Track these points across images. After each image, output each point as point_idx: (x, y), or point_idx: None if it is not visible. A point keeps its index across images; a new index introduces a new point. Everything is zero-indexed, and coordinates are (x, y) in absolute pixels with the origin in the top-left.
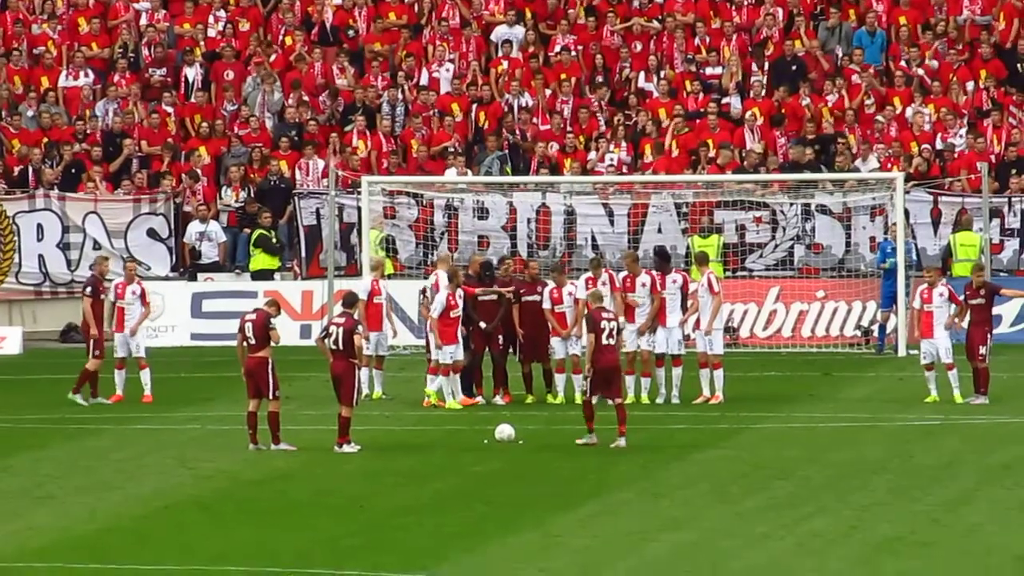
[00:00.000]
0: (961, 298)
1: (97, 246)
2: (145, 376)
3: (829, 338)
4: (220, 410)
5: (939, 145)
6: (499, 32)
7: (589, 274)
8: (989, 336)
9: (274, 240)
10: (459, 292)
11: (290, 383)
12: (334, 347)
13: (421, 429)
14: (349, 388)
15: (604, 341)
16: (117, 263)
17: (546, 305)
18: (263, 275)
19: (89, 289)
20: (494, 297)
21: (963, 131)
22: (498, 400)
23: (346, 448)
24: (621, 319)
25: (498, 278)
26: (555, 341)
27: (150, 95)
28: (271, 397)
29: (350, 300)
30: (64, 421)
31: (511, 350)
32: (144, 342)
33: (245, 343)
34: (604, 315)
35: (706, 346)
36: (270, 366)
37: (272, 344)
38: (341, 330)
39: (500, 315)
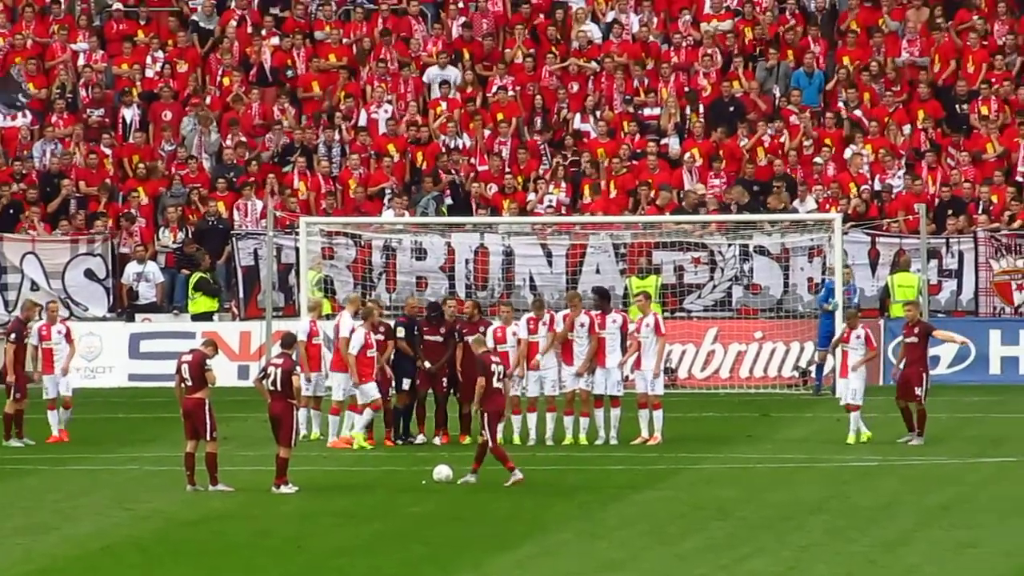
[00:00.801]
0: (875, 344)
1: (35, 287)
2: (66, 415)
3: (767, 379)
4: (158, 451)
5: (877, 186)
6: (431, 74)
7: (531, 314)
8: (925, 376)
9: (213, 283)
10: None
11: (227, 424)
12: (272, 388)
13: (359, 470)
14: (287, 429)
15: (494, 384)
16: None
17: (489, 344)
18: (203, 317)
19: (13, 335)
20: (440, 339)
21: (901, 172)
22: (437, 440)
23: (284, 489)
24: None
25: (446, 320)
26: None
27: (88, 135)
28: (208, 438)
29: (288, 341)
30: (0, 462)
31: (452, 391)
32: (72, 382)
33: (182, 384)
34: (493, 359)
35: (648, 387)
36: (207, 407)
37: (209, 385)
38: (279, 371)
39: (447, 356)
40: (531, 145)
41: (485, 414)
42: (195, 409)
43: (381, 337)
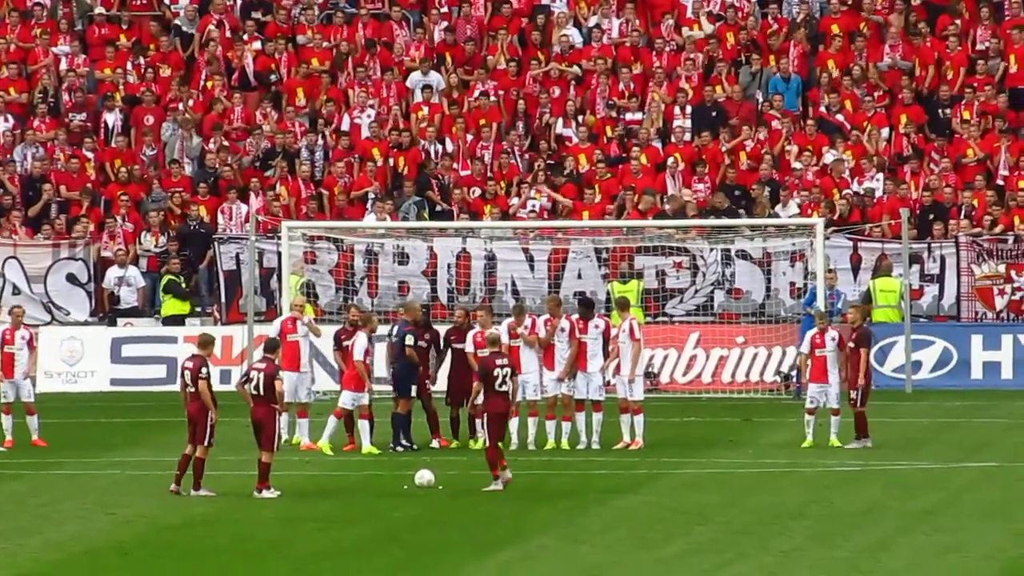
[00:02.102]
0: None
1: (16, 291)
2: (33, 421)
3: (749, 383)
4: (140, 455)
5: (866, 186)
6: (413, 79)
7: (511, 319)
8: (864, 381)
9: (183, 285)
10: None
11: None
12: (255, 392)
13: (341, 474)
14: (269, 433)
15: (496, 388)
16: (36, 307)
17: (469, 349)
18: (175, 320)
19: None
20: (424, 344)
21: (882, 176)
22: (435, 444)
23: (266, 494)
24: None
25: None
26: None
27: (70, 140)
28: (204, 444)
29: (271, 346)
30: None
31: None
32: (32, 387)
33: (186, 388)
34: (498, 361)
35: (626, 392)
36: (208, 413)
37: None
38: (262, 375)
39: (440, 361)
40: (513, 149)
41: (486, 415)
42: (198, 415)
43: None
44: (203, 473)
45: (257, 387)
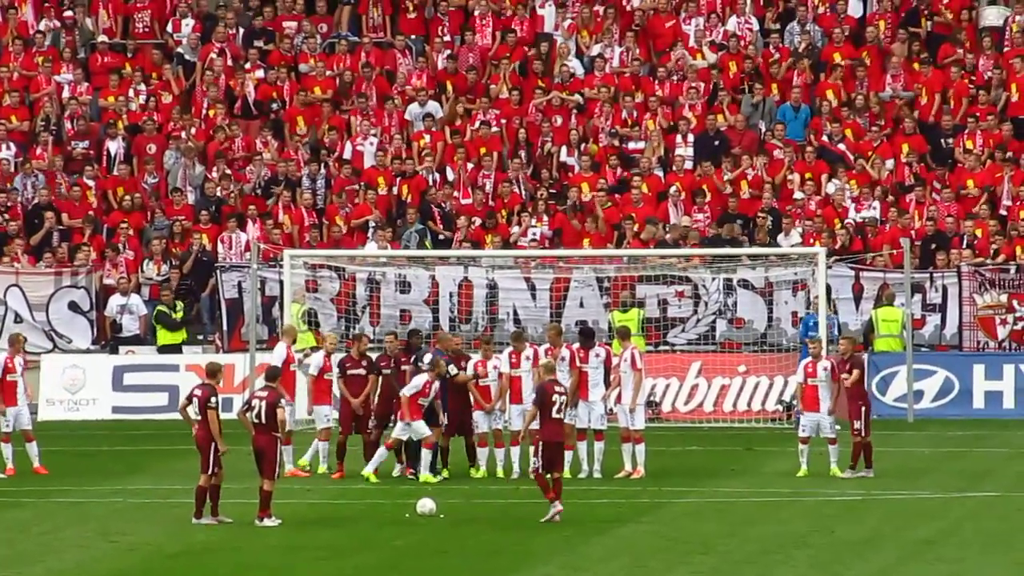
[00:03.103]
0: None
1: (19, 319)
2: (33, 448)
3: (751, 412)
4: (142, 483)
5: (861, 219)
6: (412, 110)
7: (511, 348)
8: (864, 409)
9: (173, 315)
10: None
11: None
12: (256, 421)
13: (343, 503)
14: (271, 462)
15: (553, 415)
16: (39, 335)
17: (465, 376)
18: (170, 349)
19: None
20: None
21: (876, 204)
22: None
23: (267, 522)
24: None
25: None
26: (478, 415)
27: (72, 168)
28: (208, 472)
29: (273, 374)
30: None
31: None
32: (30, 415)
33: (186, 408)
34: (556, 388)
35: (628, 421)
36: (213, 443)
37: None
38: (264, 403)
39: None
40: (517, 178)
41: (541, 443)
42: (205, 443)
43: (362, 371)
44: (204, 501)
45: (259, 415)
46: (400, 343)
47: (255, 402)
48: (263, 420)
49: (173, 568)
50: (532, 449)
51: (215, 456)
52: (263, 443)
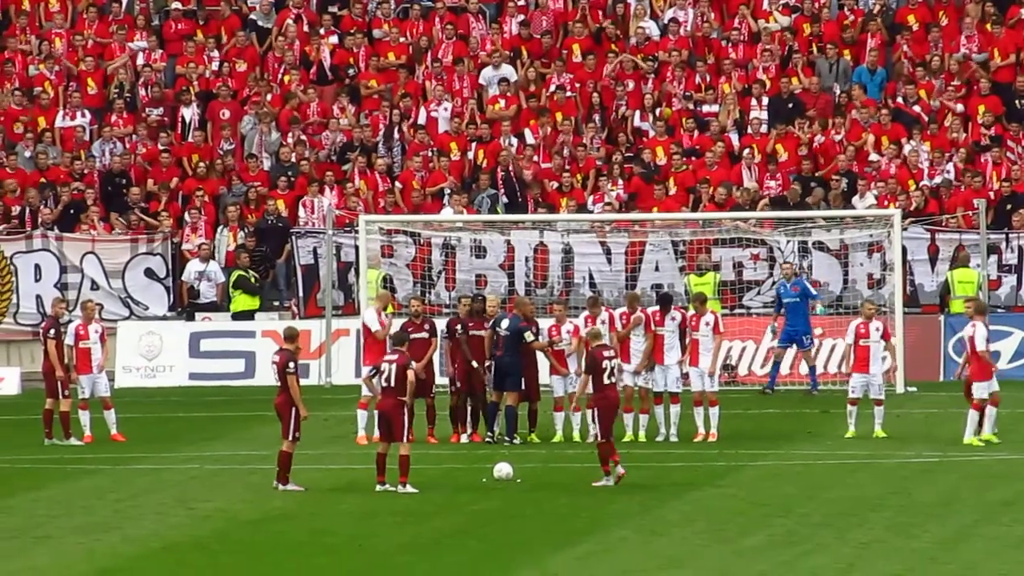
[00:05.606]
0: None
1: (95, 286)
2: (111, 416)
3: (827, 375)
4: (219, 450)
5: (936, 181)
6: (486, 75)
7: (587, 312)
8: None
9: (252, 280)
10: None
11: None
12: (385, 384)
13: (419, 468)
14: (400, 425)
15: (605, 380)
16: (115, 303)
17: (542, 341)
18: (244, 316)
19: (52, 331)
20: (482, 333)
21: (950, 166)
22: (464, 439)
23: (409, 488)
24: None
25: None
26: (554, 379)
27: (147, 135)
28: (289, 438)
29: (400, 338)
30: (61, 461)
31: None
32: (107, 382)
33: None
34: (605, 353)
35: (703, 383)
36: (293, 408)
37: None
38: (394, 367)
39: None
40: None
41: (596, 409)
42: (283, 408)
43: (426, 335)
44: (289, 467)
45: (388, 378)
46: (469, 307)
47: (384, 366)
48: (391, 383)
49: (250, 535)
50: (589, 415)
51: (296, 421)
52: (390, 407)
